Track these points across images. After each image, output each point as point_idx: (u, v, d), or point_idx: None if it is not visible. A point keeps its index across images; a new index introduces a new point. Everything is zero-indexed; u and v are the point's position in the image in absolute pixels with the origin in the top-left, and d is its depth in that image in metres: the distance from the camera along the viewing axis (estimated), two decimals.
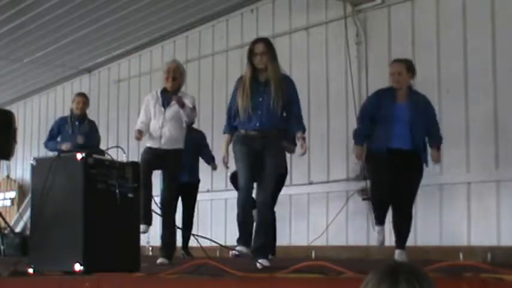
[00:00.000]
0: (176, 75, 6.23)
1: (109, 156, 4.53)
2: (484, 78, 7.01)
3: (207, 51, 10.00)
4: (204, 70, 10.08)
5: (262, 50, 5.13)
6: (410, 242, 6.10)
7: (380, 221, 5.91)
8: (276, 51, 5.22)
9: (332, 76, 8.42)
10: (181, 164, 6.32)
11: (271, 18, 9.21)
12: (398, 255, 5.75)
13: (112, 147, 4.90)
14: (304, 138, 5.21)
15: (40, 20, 9.29)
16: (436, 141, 5.92)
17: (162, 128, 6.17)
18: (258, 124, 5.11)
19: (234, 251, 5.10)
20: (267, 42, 5.25)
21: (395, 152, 5.77)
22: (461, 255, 6.31)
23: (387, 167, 5.76)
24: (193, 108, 6.23)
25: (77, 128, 7.85)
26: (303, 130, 5.24)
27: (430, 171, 7.13)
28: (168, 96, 6.19)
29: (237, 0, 9.33)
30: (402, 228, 5.82)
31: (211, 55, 9.98)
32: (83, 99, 8.02)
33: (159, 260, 6.00)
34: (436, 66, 7.32)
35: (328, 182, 7.39)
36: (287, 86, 5.19)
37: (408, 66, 5.91)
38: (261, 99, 5.12)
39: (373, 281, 1.79)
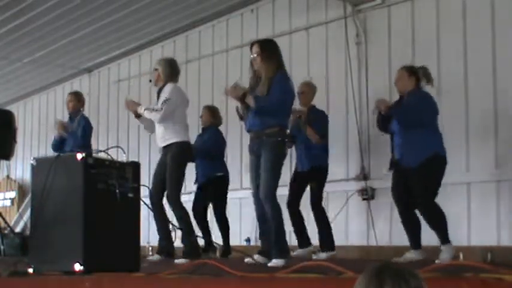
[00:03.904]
0: (155, 73, 6.15)
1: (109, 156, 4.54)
2: (484, 78, 7.01)
3: (207, 51, 9.99)
4: (204, 70, 10.07)
5: (255, 51, 5.17)
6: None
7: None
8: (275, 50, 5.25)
9: (332, 76, 8.42)
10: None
11: (271, 18, 9.20)
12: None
13: (112, 147, 4.89)
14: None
15: (40, 20, 9.28)
16: None
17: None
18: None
19: None
20: (260, 43, 5.26)
21: None
22: (461, 255, 6.29)
23: None
24: (164, 101, 5.90)
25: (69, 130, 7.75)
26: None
27: None
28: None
29: (237, 0, 9.32)
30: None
31: (211, 55, 9.97)
32: (70, 97, 7.92)
33: None
34: (436, 66, 7.30)
35: (328, 182, 7.35)
36: (274, 81, 5.10)
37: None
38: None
39: (362, 283, 1.86)
